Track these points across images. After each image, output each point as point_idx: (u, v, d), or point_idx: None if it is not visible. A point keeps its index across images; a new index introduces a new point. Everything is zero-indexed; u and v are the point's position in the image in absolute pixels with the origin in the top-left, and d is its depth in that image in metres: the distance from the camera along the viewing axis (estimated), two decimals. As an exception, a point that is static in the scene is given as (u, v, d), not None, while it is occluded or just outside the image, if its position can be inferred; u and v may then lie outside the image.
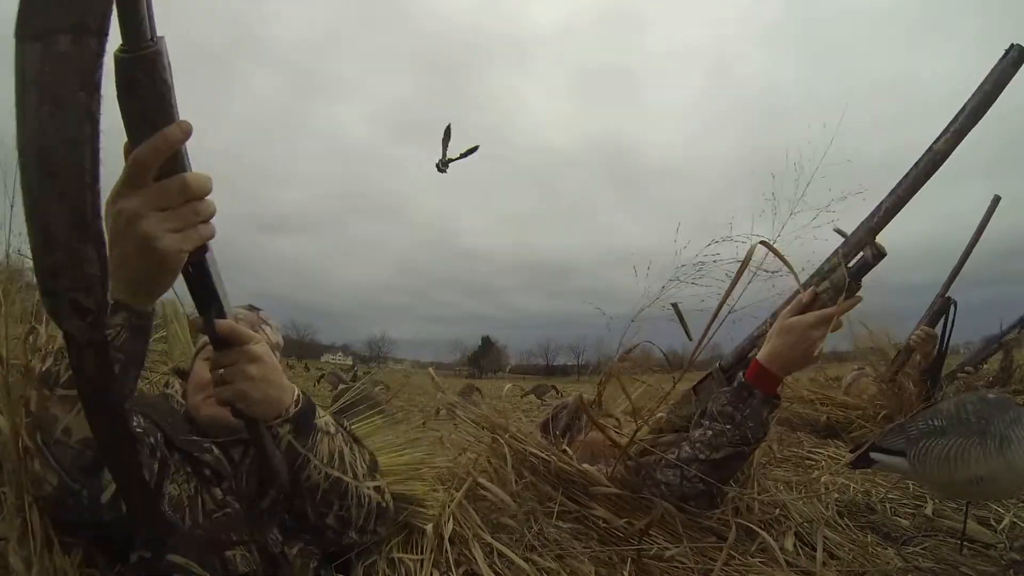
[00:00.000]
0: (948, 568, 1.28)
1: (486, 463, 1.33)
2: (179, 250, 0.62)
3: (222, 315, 0.77)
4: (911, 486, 1.71)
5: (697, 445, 1.21)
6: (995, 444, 1.19)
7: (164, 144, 0.56)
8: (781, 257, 1.19)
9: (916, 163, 1.16)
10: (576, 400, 1.61)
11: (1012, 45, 1.10)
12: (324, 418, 0.95)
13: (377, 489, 1.01)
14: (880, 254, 1.15)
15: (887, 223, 1.18)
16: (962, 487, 1.28)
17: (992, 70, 1.12)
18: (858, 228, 1.21)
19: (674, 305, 1.75)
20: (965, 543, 1.38)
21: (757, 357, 1.20)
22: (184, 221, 0.61)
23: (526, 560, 1.10)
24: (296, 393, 0.91)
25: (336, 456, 0.94)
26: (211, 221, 0.64)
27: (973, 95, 1.13)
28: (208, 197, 0.63)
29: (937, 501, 1.61)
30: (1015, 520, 1.50)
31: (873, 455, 1.45)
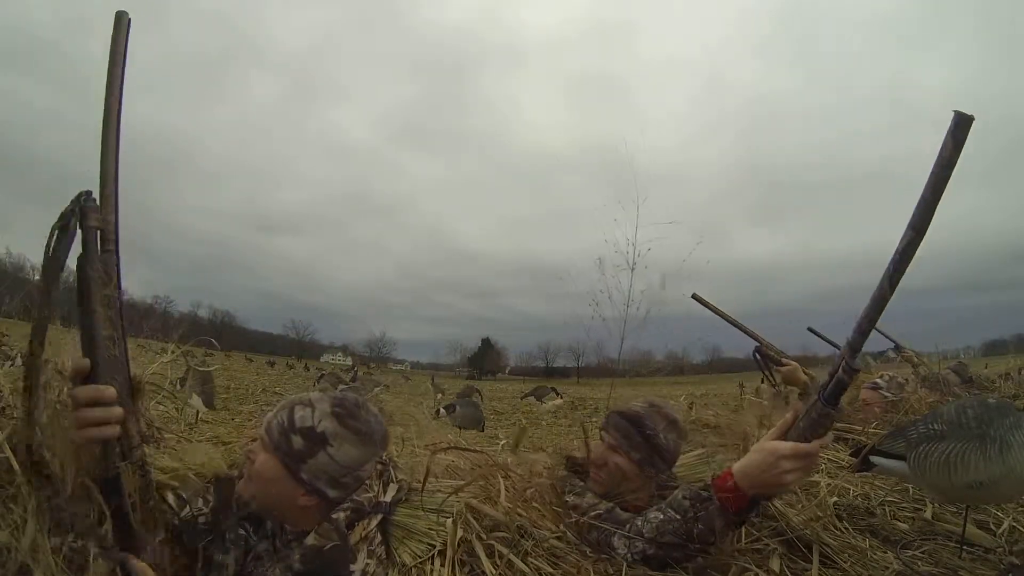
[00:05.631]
0: (947, 572, 1.28)
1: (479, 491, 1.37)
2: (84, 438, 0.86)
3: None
4: (911, 489, 1.71)
5: (647, 524, 1.21)
6: (995, 449, 1.19)
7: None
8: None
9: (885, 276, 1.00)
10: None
11: (955, 114, 0.89)
12: None
13: None
14: (853, 370, 1.03)
15: (864, 338, 1.03)
16: (962, 491, 1.28)
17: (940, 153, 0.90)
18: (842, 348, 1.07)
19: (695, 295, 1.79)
20: (964, 547, 1.38)
21: (733, 467, 1.15)
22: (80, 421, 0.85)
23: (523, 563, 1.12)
24: None
25: None
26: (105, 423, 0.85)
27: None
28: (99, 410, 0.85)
29: (937, 505, 1.61)
30: (1014, 524, 1.50)
31: (873, 459, 1.45)
